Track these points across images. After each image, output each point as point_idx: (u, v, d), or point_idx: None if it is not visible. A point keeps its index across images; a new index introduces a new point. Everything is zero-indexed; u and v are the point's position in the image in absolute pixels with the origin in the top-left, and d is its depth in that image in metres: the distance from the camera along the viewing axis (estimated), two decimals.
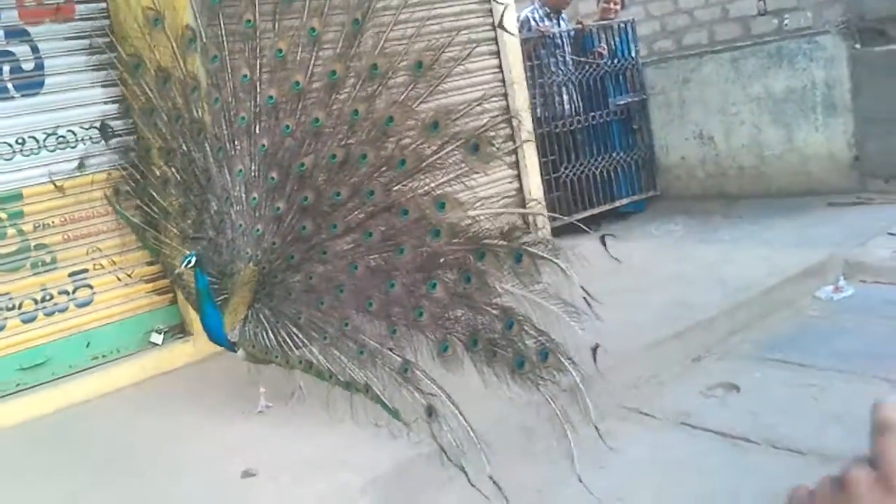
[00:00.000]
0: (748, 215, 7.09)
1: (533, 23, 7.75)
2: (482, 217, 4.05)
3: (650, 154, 8.41)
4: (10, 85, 4.82)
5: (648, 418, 4.07)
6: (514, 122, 6.99)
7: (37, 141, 4.86)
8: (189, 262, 3.97)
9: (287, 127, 4.12)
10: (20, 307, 4.85)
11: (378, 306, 3.96)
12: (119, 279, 5.14)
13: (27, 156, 4.84)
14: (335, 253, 4.09)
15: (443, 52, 4.04)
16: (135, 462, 4.01)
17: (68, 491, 3.78)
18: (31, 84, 4.86)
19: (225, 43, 4.27)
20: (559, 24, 7.92)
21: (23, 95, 4.85)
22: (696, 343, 4.69)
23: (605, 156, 7.98)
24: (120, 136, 4.99)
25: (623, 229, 7.44)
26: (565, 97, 7.81)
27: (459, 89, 6.61)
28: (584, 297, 3.78)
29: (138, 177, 4.66)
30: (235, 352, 4.23)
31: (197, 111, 4.33)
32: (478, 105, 4.12)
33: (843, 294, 5.28)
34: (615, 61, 8.13)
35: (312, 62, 4.13)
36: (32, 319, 4.89)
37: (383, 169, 4.01)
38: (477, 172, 4.05)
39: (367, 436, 3.87)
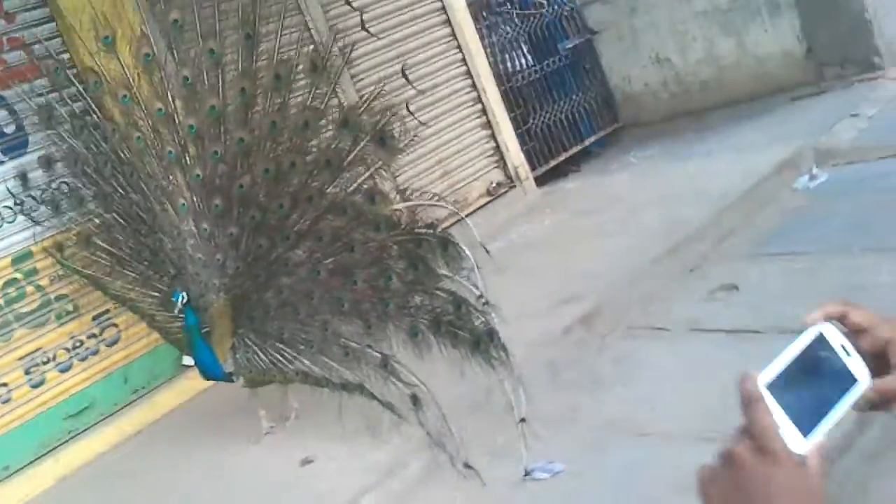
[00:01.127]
0: (717, 126, 7.34)
1: None
2: (412, 208, 4.19)
3: (605, 89, 8.62)
4: None
5: (660, 331, 4.35)
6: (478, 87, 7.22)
7: (34, 199, 5.04)
8: (180, 299, 4.06)
9: (216, 152, 4.18)
10: (55, 358, 5.08)
11: (349, 305, 4.13)
12: None
13: (27, 214, 5.00)
14: (295, 262, 4.24)
15: (331, 49, 4.20)
16: (202, 472, 4.30)
17: None
18: (16, 146, 5.05)
19: (131, 80, 4.30)
20: None
21: (10, 158, 5.03)
22: (690, 254, 4.97)
23: (565, 100, 8.18)
24: (45, 190, 4.92)
25: (601, 164, 7.71)
26: (518, 51, 8.04)
27: (418, 64, 6.86)
28: (482, 297, 3.90)
29: (78, 229, 4.66)
30: (233, 381, 4.37)
31: (122, 153, 4.37)
32: (379, 93, 4.21)
33: (818, 181, 5.56)
34: (555, 8, 8.33)
35: (220, 84, 4.18)
36: (69, 368, 5.12)
37: (314, 173, 4.14)
38: (389, 165, 4.27)
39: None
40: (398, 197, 4.30)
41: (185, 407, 5.23)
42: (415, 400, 3.90)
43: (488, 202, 6.96)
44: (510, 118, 7.57)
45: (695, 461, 2.92)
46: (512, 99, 7.78)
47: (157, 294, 4.50)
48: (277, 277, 4.26)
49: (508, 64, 7.94)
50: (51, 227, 4.80)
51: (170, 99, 4.24)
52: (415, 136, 4.93)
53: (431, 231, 4.00)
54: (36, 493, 4.76)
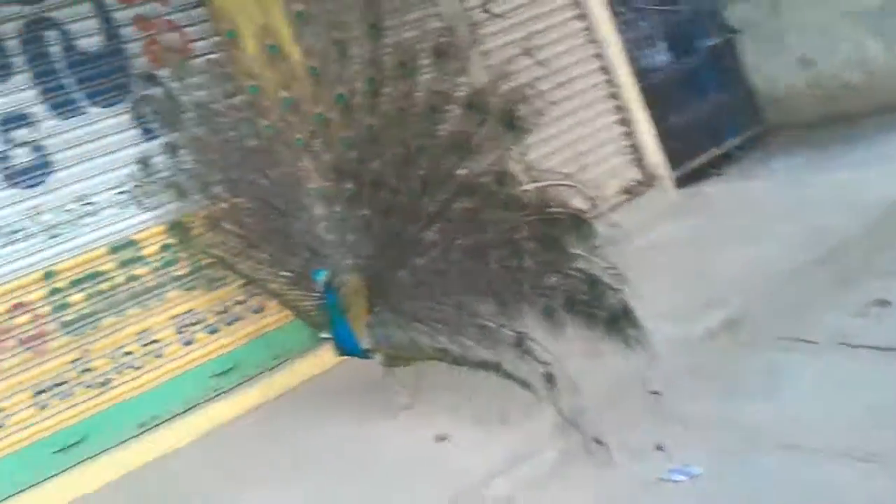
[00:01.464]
0: (867, 133, 7.04)
1: None
2: (543, 189, 4.25)
3: (747, 91, 8.30)
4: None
5: (807, 344, 4.25)
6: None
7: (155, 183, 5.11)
8: (322, 277, 4.23)
9: (345, 139, 4.34)
10: (204, 321, 5.38)
11: (484, 285, 4.20)
12: None
13: (139, 201, 5.15)
14: (428, 243, 4.33)
15: (452, 37, 4.27)
16: (338, 439, 4.48)
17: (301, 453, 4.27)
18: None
19: (257, 71, 4.46)
20: None
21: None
22: (839, 265, 4.82)
23: (704, 100, 7.97)
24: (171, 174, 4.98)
25: (743, 168, 7.54)
26: (655, 48, 7.87)
27: (555, 56, 6.86)
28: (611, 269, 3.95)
29: (205, 213, 4.79)
30: (370, 358, 4.51)
31: (252, 141, 4.52)
32: (506, 76, 4.26)
33: None
34: (695, 5, 8.06)
35: (347, 73, 4.32)
36: (216, 330, 5.42)
37: (442, 155, 4.21)
38: (513, 148, 4.29)
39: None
40: (528, 179, 4.35)
41: (322, 377, 5.46)
42: (549, 378, 3.97)
43: (626, 201, 6.92)
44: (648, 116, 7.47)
45: (839, 478, 2.89)
46: (648, 97, 7.60)
47: (288, 274, 4.66)
48: (410, 258, 4.38)
49: (645, 61, 7.78)
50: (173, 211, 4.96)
51: (296, 88, 4.41)
52: (544, 116, 4.91)
53: (564, 210, 4.05)
54: (181, 445, 5.10)
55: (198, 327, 5.36)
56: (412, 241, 4.35)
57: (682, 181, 7.41)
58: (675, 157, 7.55)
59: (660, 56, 7.89)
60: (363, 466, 4.17)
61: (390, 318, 4.49)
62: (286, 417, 5.03)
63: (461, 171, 4.22)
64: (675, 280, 4.72)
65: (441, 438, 4.19)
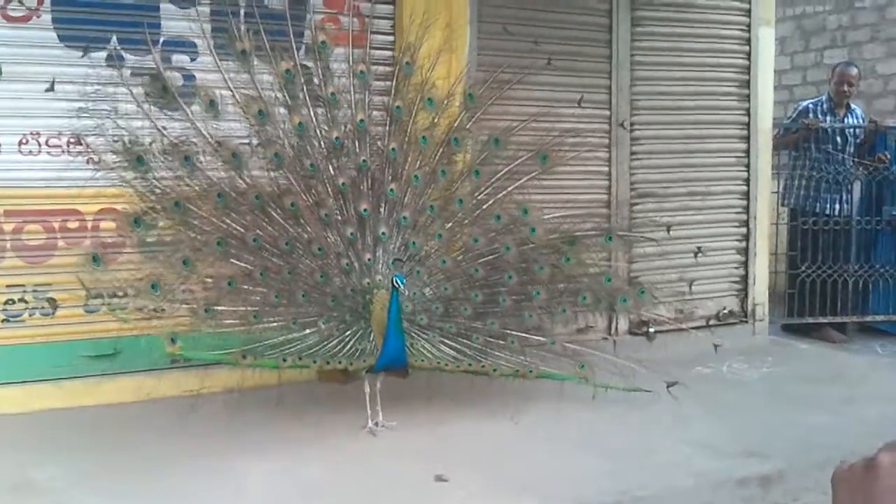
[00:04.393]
0: None
1: (810, 114, 7.82)
2: (566, 219, 5.24)
3: None
4: None
5: None
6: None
7: None
8: (406, 282, 4.52)
9: (364, 161, 4.85)
10: None
11: (509, 301, 4.93)
12: None
13: None
14: (453, 262, 4.95)
15: (487, 84, 5.10)
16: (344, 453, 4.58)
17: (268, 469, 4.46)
18: None
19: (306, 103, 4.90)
20: (848, 119, 7.88)
21: None
22: None
23: (863, 265, 7.79)
24: None
25: (865, 343, 7.49)
26: (830, 195, 7.74)
27: (703, 166, 7.03)
28: None
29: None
30: (405, 369, 4.77)
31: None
32: (533, 121, 5.17)
33: None
34: None
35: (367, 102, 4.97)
36: None
37: (461, 181, 5.04)
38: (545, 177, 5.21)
39: (557, 466, 4.33)
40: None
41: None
42: (582, 365, 4.84)
43: (712, 326, 6.90)
44: (782, 256, 7.58)
45: None
46: (791, 238, 7.68)
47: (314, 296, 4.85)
48: (437, 278, 4.96)
49: (818, 204, 7.71)
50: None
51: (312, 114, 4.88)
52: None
53: (594, 232, 5.19)
54: None
55: None
56: (437, 260, 4.99)
57: (790, 329, 7.41)
58: (793, 305, 7.57)
59: (836, 205, 7.76)
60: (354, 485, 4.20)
61: (419, 333, 4.87)
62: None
63: (482, 196, 5.04)
64: (730, 417, 4.71)
65: (440, 479, 4.25)
